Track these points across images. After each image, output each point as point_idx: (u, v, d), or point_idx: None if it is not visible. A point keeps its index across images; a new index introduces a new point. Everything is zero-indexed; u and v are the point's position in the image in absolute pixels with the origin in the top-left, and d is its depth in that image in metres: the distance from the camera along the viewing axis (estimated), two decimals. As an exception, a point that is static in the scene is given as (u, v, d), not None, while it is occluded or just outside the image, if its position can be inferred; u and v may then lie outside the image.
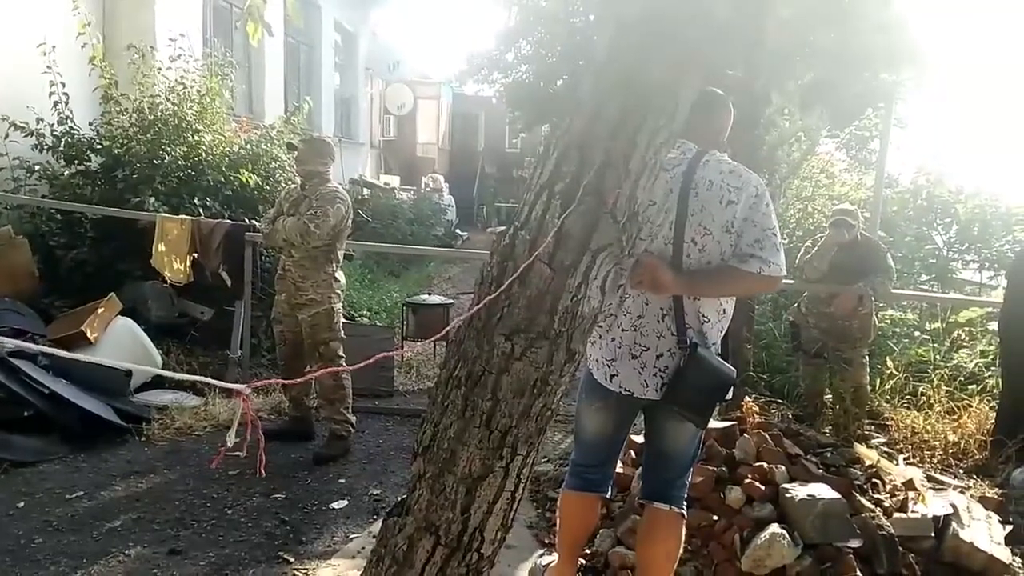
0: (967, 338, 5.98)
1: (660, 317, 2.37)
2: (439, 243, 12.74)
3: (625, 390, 2.43)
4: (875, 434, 4.85)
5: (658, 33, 1.92)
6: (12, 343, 4.24)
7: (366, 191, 13.45)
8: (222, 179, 6.22)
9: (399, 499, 2.13)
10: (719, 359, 2.38)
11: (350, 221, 4.38)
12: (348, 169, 13.42)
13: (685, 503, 2.60)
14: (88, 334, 4.85)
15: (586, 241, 1.97)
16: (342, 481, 4.12)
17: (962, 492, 3.62)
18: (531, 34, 14.05)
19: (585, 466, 2.67)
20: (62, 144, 5.97)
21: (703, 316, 2.39)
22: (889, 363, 5.26)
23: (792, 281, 5.11)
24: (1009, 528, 3.32)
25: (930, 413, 4.77)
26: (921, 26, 7.20)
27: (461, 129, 22.72)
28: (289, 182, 6.20)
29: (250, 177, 6.20)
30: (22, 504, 3.59)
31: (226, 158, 6.34)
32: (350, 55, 15.41)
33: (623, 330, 2.41)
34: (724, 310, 2.46)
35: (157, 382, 5.17)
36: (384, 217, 11.74)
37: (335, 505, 3.80)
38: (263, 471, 2.04)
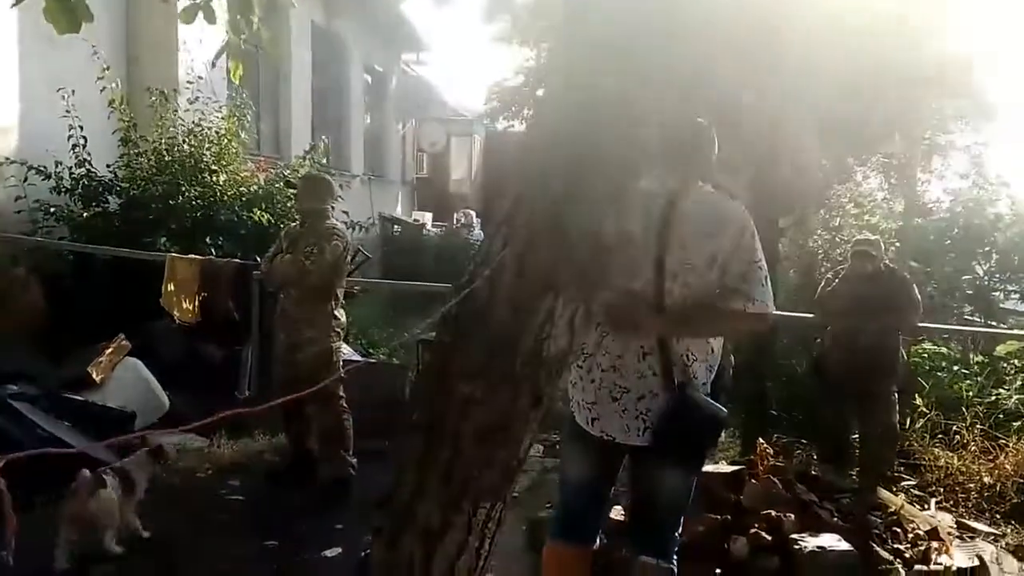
0: (1013, 372, 5.67)
1: (641, 356, 2.22)
2: (468, 279, 12.63)
3: (607, 435, 2.28)
4: (906, 476, 4.59)
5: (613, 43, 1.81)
6: (12, 388, 4.23)
7: (396, 228, 13.49)
8: (235, 218, 6.24)
9: (360, 557, 2.00)
10: (708, 399, 2.22)
11: (350, 258, 4.31)
12: (378, 205, 13.50)
13: (676, 557, 2.42)
14: (94, 375, 4.83)
15: (549, 278, 1.85)
16: (339, 527, 3.96)
17: (995, 540, 3.37)
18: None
19: (569, 514, 2.51)
20: (80, 187, 6.04)
21: (690, 355, 2.24)
22: (919, 400, 5.00)
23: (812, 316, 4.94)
24: (1046, 583, 3.07)
25: (964, 453, 4.50)
26: (955, 49, 6.96)
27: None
28: (303, 220, 6.18)
29: (263, 216, 6.20)
30: (15, 550, 3.53)
31: (241, 198, 6.36)
32: (380, 93, 15.58)
33: (603, 371, 2.27)
34: (712, 348, 2.30)
35: (163, 422, 5.11)
36: (410, 254, 11.72)
37: (329, 553, 3.67)
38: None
